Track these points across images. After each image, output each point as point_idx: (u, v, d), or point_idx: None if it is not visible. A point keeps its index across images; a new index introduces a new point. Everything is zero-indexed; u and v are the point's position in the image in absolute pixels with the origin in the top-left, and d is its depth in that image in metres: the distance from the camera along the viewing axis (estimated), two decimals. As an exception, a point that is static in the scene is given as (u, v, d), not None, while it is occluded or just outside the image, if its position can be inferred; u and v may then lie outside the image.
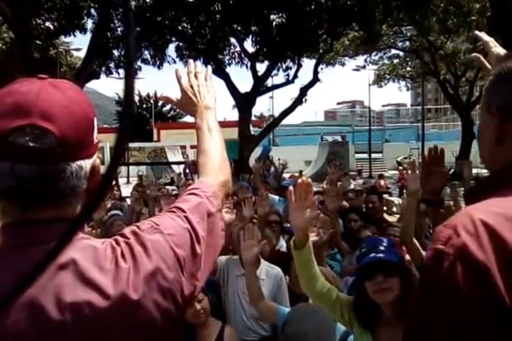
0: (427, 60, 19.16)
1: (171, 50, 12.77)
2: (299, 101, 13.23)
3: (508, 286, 0.51)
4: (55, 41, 13.99)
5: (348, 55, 19.70)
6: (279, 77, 15.96)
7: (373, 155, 23.77)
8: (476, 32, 1.10)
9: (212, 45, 12.14)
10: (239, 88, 12.64)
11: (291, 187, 1.37)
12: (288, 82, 13.35)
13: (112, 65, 12.32)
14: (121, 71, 12.24)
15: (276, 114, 16.31)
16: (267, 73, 13.16)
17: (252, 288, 1.94)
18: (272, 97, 31.09)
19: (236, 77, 12.66)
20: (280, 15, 12.10)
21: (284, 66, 13.07)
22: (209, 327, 2.00)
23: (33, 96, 0.62)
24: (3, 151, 0.59)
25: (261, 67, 13.29)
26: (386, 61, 23.72)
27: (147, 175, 8.73)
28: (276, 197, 4.44)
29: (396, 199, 6.96)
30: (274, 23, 12.25)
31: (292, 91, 14.07)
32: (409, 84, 26.75)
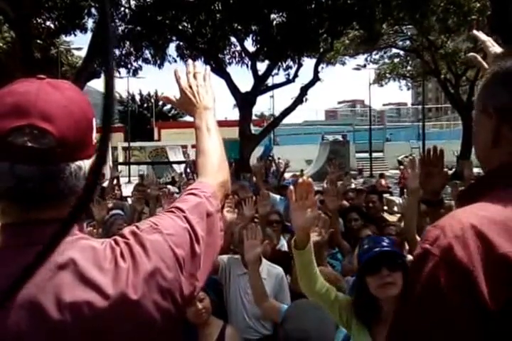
0: (427, 59, 19.14)
1: (172, 49, 12.79)
2: (299, 100, 13.23)
3: (493, 290, 0.51)
4: (56, 40, 13.99)
5: (348, 54, 19.69)
6: (279, 77, 15.93)
7: (374, 155, 23.78)
8: (474, 31, 1.10)
9: (212, 45, 12.14)
10: (239, 87, 12.64)
11: (291, 187, 1.38)
12: (288, 82, 13.35)
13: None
14: (122, 70, 12.24)
15: (277, 114, 16.31)
16: (268, 72, 13.16)
17: (256, 288, 1.94)
18: (272, 96, 31.09)
19: (236, 77, 12.67)
20: (280, 14, 12.09)
21: (284, 65, 13.08)
22: (210, 326, 2.01)
23: (32, 97, 0.62)
24: (2, 152, 0.59)
25: (261, 67, 13.29)
26: (387, 60, 23.71)
27: (148, 175, 8.75)
28: (278, 197, 4.44)
29: (397, 199, 6.95)
30: (275, 22, 12.25)
31: (293, 90, 14.08)
32: (409, 84, 26.73)
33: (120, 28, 11.63)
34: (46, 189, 0.61)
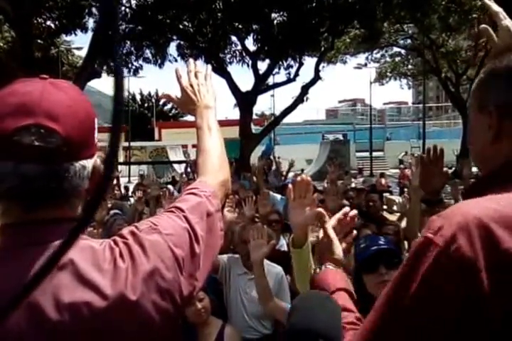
0: (428, 57, 19.11)
1: (172, 48, 12.77)
2: (300, 99, 13.22)
3: (495, 285, 0.51)
4: (57, 40, 13.99)
5: (349, 53, 19.68)
6: (280, 76, 15.96)
7: (374, 154, 23.75)
8: (485, 0, 0.99)
9: (213, 44, 12.13)
10: (240, 87, 12.63)
11: (290, 185, 1.38)
12: (289, 81, 13.34)
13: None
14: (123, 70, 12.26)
15: (278, 113, 16.29)
16: (268, 71, 13.15)
17: (261, 288, 1.94)
18: (273, 96, 31.05)
19: (237, 76, 12.66)
20: (281, 13, 12.08)
21: (285, 64, 13.06)
22: (209, 326, 2.02)
23: (37, 96, 0.62)
24: (6, 151, 0.59)
25: (262, 66, 13.28)
26: (388, 59, 23.68)
27: (148, 175, 8.76)
28: (278, 196, 4.44)
29: (397, 198, 6.95)
30: (276, 21, 12.24)
31: (294, 89, 14.07)
32: (410, 82, 26.72)
33: (121, 28, 11.62)
34: (51, 188, 0.61)
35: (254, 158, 9.97)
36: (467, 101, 18.78)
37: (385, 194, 6.04)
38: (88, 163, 0.66)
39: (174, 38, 12.39)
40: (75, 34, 11.36)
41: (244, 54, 13.03)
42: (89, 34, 10.77)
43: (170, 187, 5.45)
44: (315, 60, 13.63)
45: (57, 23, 11.39)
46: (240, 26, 12.02)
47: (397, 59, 23.64)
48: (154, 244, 0.67)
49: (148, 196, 3.92)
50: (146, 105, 37.95)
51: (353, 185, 6.91)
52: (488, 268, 0.51)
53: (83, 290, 0.60)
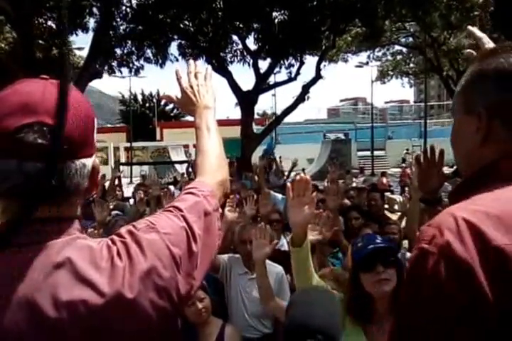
0: (430, 56, 19.06)
1: (173, 48, 12.75)
2: (301, 98, 13.20)
3: (490, 282, 0.52)
4: (58, 40, 13.99)
5: (350, 52, 19.64)
6: (281, 75, 15.93)
7: (376, 153, 23.72)
8: (469, 27, 1.08)
9: (214, 43, 12.12)
10: (241, 86, 12.63)
11: (288, 184, 1.38)
12: (290, 80, 13.32)
13: (114, 63, 12.34)
14: (124, 70, 12.24)
15: (279, 112, 16.27)
16: (269, 71, 13.13)
17: (262, 287, 1.94)
18: (274, 95, 31.04)
19: (238, 75, 12.65)
20: (282, 12, 12.05)
21: (286, 63, 13.03)
22: (210, 325, 2.02)
23: (39, 96, 0.63)
24: (10, 149, 0.60)
25: (263, 65, 13.27)
26: (389, 57, 23.63)
27: (150, 175, 8.76)
28: (279, 195, 4.44)
29: (398, 197, 6.94)
30: (276, 20, 12.21)
31: (295, 88, 14.07)
32: (412, 81, 26.66)
33: (122, 27, 11.64)
34: (52, 186, 0.62)
35: (256, 157, 9.97)
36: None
37: (386, 193, 6.03)
38: (88, 162, 0.67)
39: (175, 37, 12.38)
40: (76, 34, 11.40)
41: (245, 53, 13.02)
42: (90, 34, 10.77)
43: (171, 187, 5.45)
44: (316, 58, 13.61)
45: (58, 23, 11.40)
46: (241, 25, 12.00)
47: (399, 57, 23.57)
48: (152, 242, 0.67)
49: (149, 196, 3.93)
50: (147, 105, 37.97)
51: (354, 184, 6.90)
52: (483, 267, 0.52)
53: (81, 288, 0.60)
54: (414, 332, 0.55)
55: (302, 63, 13.09)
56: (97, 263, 0.63)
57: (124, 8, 11.45)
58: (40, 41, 11.96)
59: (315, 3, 11.42)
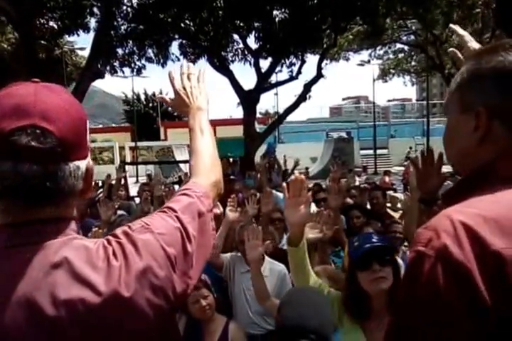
0: (432, 54, 18.98)
1: (175, 47, 12.74)
2: (302, 97, 13.17)
3: (488, 286, 0.51)
4: (60, 41, 14.03)
5: (352, 50, 19.57)
6: (283, 74, 15.89)
7: (378, 151, 23.64)
8: (451, 25, 1.07)
9: (215, 42, 12.11)
10: (243, 85, 12.62)
11: (284, 184, 1.39)
12: (292, 79, 13.29)
13: (116, 63, 12.36)
14: (126, 70, 12.25)
15: (282, 111, 16.24)
16: (271, 70, 13.10)
17: (257, 287, 1.96)
18: (276, 94, 30.98)
19: (240, 74, 12.64)
20: (283, 10, 12.02)
21: (287, 62, 13.01)
22: (214, 322, 2.05)
23: (31, 99, 0.64)
24: (5, 151, 0.61)
25: (264, 64, 13.25)
26: (391, 55, 23.53)
27: (156, 174, 8.79)
28: (281, 194, 4.45)
29: (400, 195, 6.93)
30: (277, 18, 12.18)
31: (297, 87, 14.03)
32: (414, 79, 26.53)
33: (123, 27, 11.65)
34: (47, 188, 0.63)
35: (259, 156, 9.97)
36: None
37: (389, 192, 6.02)
38: (82, 164, 0.68)
39: (176, 37, 12.38)
40: (78, 34, 11.40)
41: (246, 52, 13.01)
42: (92, 34, 10.79)
43: (176, 186, 5.48)
44: (317, 57, 13.57)
45: (59, 23, 11.42)
46: (242, 24, 11.98)
47: (401, 55, 23.48)
48: (147, 243, 0.69)
49: (153, 196, 3.96)
50: (150, 105, 37.99)
51: (357, 183, 6.89)
52: (481, 271, 0.52)
53: (78, 288, 0.62)
54: (412, 334, 0.55)
55: (303, 62, 13.05)
56: (94, 262, 0.64)
57: (124, 7, 11.45)
58: (42, 41, 11.99)
59: (315, 1, 11.39)
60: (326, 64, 14.67)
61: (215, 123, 25.13)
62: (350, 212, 3.36)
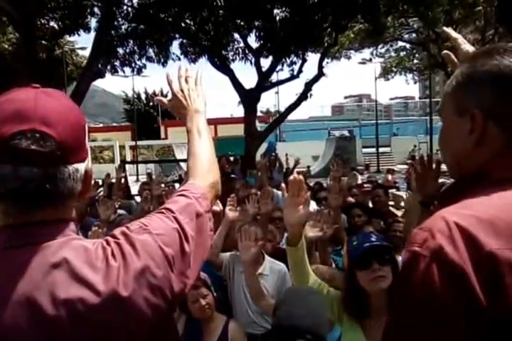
0: (433, 51, 18.92)
1: (175, 47, 12.78)
2: (303, 96, 13.16)
3: (482, 286, 0.52)
4: (60, 41, 14.06)
5: (353, 48, 19.52)
6: (284, 72, 15.90)
7: (381, 150, 23.61)
8: (444, 28, 1.10)
9: (215, 42, 12.11)
10: (244, 84, 12.61)
11: (283, 184, 1.38)
12: (293, 77, 13.27)
13: (116, 63, 12.38)
14: (126, 69, 12.27)
15: (283, 110, 16.23)
16: (272, 68, 13.09)
17: (252, 287, 1.96)
18: (277, 93, 30.99)
19: (241, 73, 12.63)
20: (283, 9, 12.01)
21: (288, 61, 12.99)
22: (214, 321, 2.05)
23: (32, 103, 0.66)
24: (4, 155, 0.62)
25: (265, 63, 13.23)
26: (393, 54, 23.48)
27: (159, 175, 8.83)
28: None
29: (404, 194, 6.92)
30: (278, 17, 12.17)
31: (298, 86, 14.01)
32: (416, 77, 26.46)
33: (123, 27, 11.66)
34: (47, 190, 0.65)
35: (260, 155, 9.97)
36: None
37: (392, 190, 6.01)
38: (81, 166, 0.70)
39: (176, 36, 12.38)
40: (78, 34, 11.42)
41: (247, 51, 13.00)
42: (92, 34, 10.80)
43: (177, 185, 5.48)
44: (318, 56, 13.55)
45: (60, 23, 11.45)
46: (242, 23, 11.97)
47: (402, 53, 23.42)
48: (145, 243, 0.70)
49: (152, 195, 3.96)
50: (151, 104, 38.06)
51: (359, 181, 6.87)
52: (476, 272, 0.52)
53: (78, 287, 0.63)
54: (408, 334, 0.56)
55: (304, 60, 13.03)
56: (93, 263, 0.65)
57: (125, 7, 11.46)
58: (43, 41, 12.02)
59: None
60: (327, 62, 14.62)
61: (216, 122, 25.18)
62: (351, 210, 3.35)
